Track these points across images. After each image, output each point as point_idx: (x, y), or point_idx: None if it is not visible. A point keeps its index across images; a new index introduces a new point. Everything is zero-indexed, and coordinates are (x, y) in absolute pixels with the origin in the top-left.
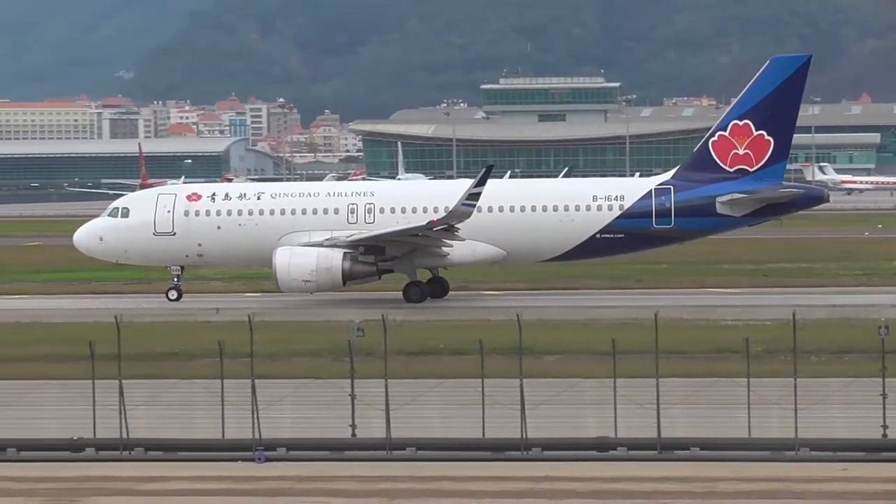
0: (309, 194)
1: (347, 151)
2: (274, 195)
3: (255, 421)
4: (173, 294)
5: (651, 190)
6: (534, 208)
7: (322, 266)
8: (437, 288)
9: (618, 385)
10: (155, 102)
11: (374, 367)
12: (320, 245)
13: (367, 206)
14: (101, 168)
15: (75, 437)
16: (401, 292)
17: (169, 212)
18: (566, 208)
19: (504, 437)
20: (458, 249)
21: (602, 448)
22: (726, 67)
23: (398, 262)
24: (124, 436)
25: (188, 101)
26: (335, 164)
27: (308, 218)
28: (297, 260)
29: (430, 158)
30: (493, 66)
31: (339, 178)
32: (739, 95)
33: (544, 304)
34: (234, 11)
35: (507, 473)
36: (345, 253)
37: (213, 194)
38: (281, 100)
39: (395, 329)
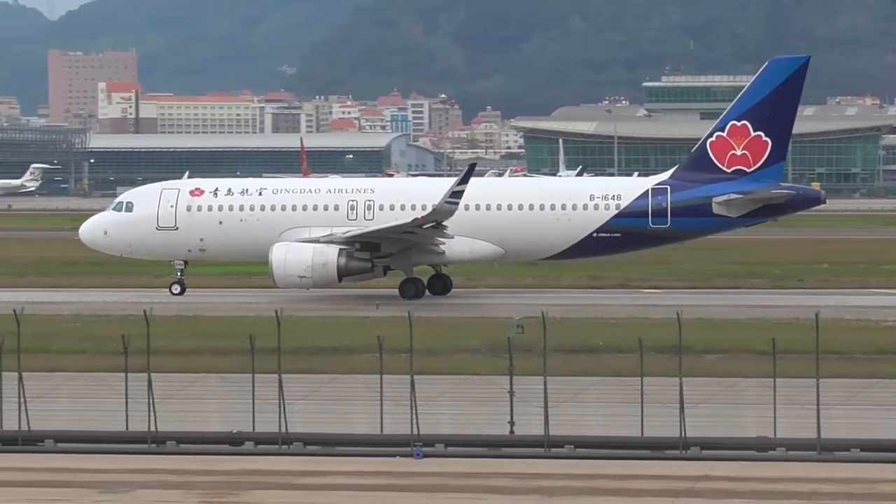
0: (310, 191)
1: (508, 148)
2: (275, 191)
3: (414, 417)
4: (177, 288)
5: (648, 189)
6: (531, 207)
7: (318, 262)
8: (439, 285)
9: (777, 385)
10: (317, 97)
11: (532, 364)
12: (316, 241)
13: (367, 202)
14: (263, 162)
15: (234, 431)
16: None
17: (172, 206)
18: (563, 207)
19: (663, 436)
20: (457, 247)
21: (761, 448)
22: (891, 66)
23: (395, 259)
24: (283, 430)
25: (350, 96)
26: (496, 160)
27: (308, 214)
28: (293, 256)
29: (592, 156)
30: (655, 63)
31: (499, 175)
32: (738, 96)
33: (707, 302)
34: (397, 7)
35: (666, 472)
36: (340, 249)
37: (216, 189)
38: (443, 95)
39: (555, 326)
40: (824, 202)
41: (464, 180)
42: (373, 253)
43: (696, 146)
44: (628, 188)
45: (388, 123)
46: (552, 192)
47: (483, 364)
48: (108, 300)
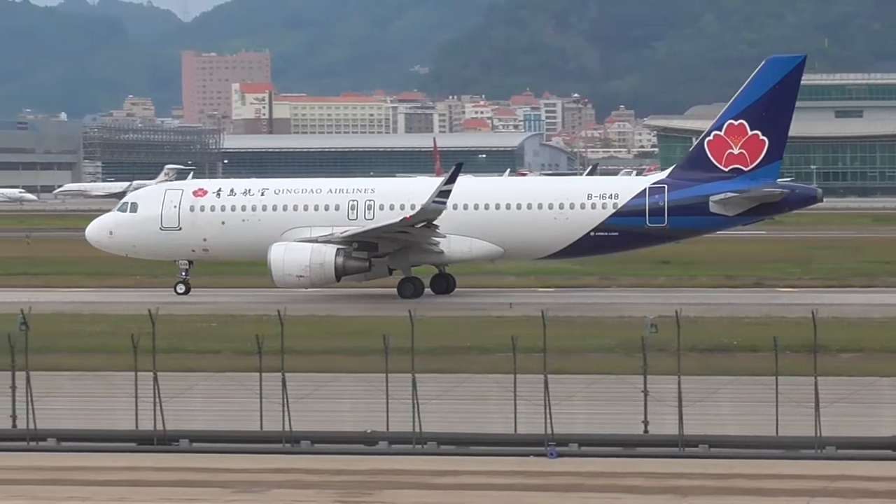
0: (311, 191)
1: (642, 147)
2: (277, 191)
3: (548, 416)
4: (181, 288)
5: (645, 189)
6: (530, 206)
7: (315, 262)
8: (443, 284)
9: None
10: (450, 97)
11: (666, 364)
12: (315, 241)
13: (367, 202)
14: (396, 162)
15: (369, 431)
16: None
17: (175, 207)
18: (561, 206)
19: (798, 436)
20: (456, 246)
21: None
22: None
23: (393, 259)
24: (417, 429)
25: (483, 96)
26: (629, 159)
27: (310, 214)
28: (291, 255)
29: None
30: None
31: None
32: (735, 95)
33: (842, 301)
34: (528, 6)
35: (801, 472)
36: (338, 249)
37: (219, 190)
38: (575, 95)
39: (689, 325)
40: (821, 200)
41: (450, 180)
42: (370, 252)
43: (694, 145)
44: (626, 187)
45: (521, 123)
46: (550, 191)
47: (617, 364)
48: (243, 300)
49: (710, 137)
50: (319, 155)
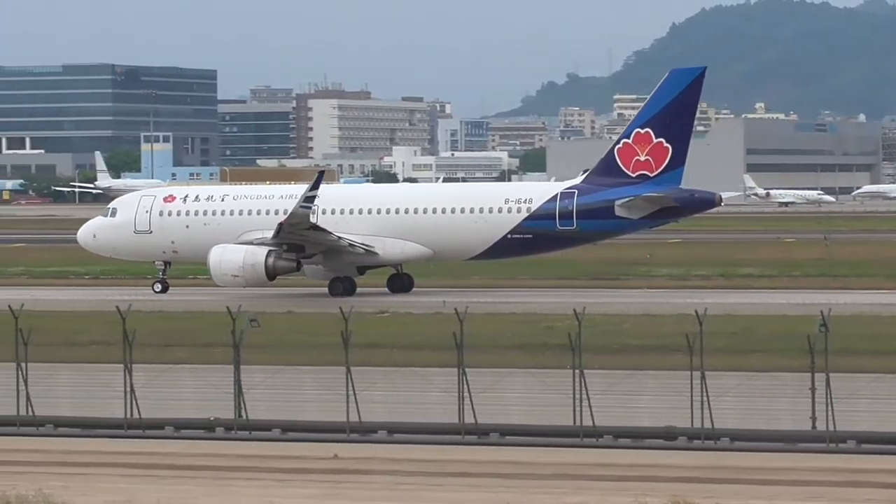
0: (265, 197)
1: None
2: (235, 197)
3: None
4: (157, 287)
5: (557, 194)
6: (454, 210)
7: (248, 262)
8: (399, 283)
9: None
10: None
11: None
12: (250, 243)
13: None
14: None
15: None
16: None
17: (147, 212)
18: (481, 210)
19: None
20: (390, 248)
21: None
22: None
23: (326, 260)
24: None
25: None
26: None
27: (262, 218)
28: (227, 257)
29: None
30: None
31: None
32: (643, 105)
33: None
34: None
35: None
36: (270, 250)
37: (186, 196)
38: None
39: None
40: (719, 204)
41: (314, 186)
42: (298, 254)
43: (606, 153)
44: (539, 192)
45: None
46: (473, 196)
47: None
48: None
49: (620, 145)
50: None
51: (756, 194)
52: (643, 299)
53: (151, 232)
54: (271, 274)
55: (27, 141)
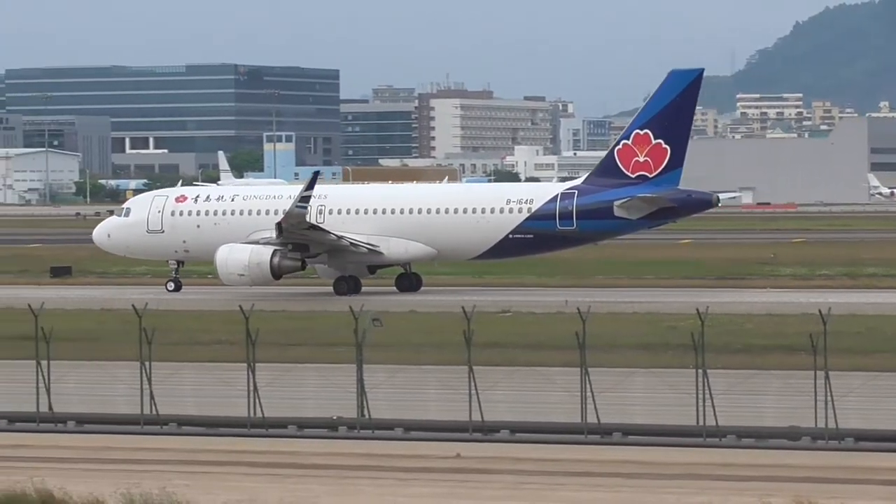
0: (274, 197)
1: None
2: (245, 197)
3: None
4: (171, 285)
5: (558, 194)
6: (456, 210)
7: (253, 262)
8: (407, 282)
9: None
10: None
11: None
12: (257, 243)
13: (319, 207)
14: None
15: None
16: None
17: (159, 212)
18: (483, 210)
19: None
20: (394, 248)
21: None
22: None
23: (330, 259)
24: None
25: None
26: None
27: (270, 218)
28: (233, 256)
29: None
30: None
31: None
32: (642, 106)
33: None
34: None
35: None
36: (275, 250)
37: (197, 196)
38: None
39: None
40: (716, 205)
41: (309, 186)
42: (303, 253)
43: (606, 154)
44: (540, 193)
45: None
46: (475, 196)
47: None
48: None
49: (620, 146)
50: None
51: (880, 193)
52: (766, 299)
53: (163, 232)
54: (276, 273)
55: (150, 141)
